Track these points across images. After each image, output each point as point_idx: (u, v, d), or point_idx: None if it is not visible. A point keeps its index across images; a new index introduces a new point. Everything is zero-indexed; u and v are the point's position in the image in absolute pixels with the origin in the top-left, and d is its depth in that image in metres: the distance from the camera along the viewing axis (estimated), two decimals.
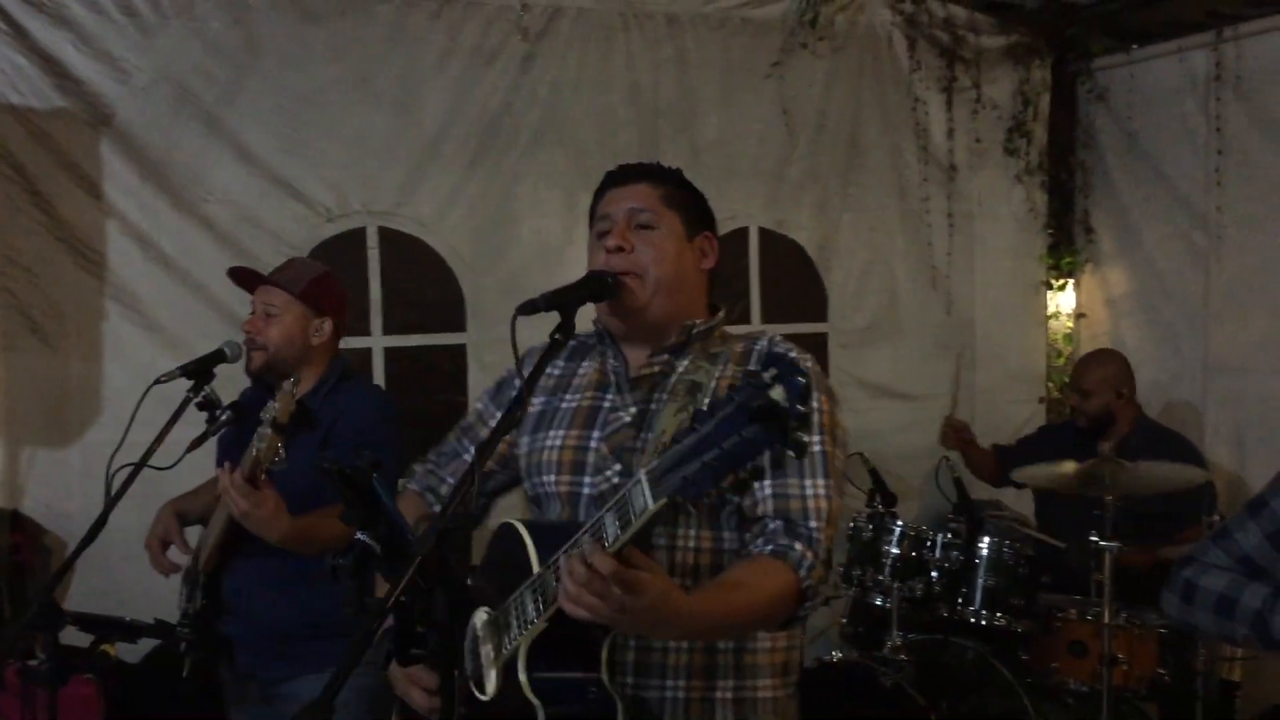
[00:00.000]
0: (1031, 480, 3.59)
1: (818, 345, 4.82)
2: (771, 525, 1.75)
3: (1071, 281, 5.13)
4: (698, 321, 1.91)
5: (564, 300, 1.74)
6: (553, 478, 1.87)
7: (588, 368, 1.97)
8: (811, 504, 1.76)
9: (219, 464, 2.75)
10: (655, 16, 4.52)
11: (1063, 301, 5.16)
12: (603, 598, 1.44)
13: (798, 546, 1.72)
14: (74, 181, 3.83)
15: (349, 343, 4.18)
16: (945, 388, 4.99)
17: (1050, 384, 5.20)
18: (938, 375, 4.98)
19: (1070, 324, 5.17)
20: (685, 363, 1.89)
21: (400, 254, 4.25)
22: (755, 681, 1.82)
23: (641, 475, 1.44)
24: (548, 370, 1.98)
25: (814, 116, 4.75)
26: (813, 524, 1.75)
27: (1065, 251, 5.11)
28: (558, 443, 1.89)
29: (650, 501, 1.42)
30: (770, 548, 1.73)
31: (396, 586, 1.31)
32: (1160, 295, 4.73)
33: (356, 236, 4.20)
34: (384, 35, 4.17)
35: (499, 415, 2.01)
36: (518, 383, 1.98)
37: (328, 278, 2.90)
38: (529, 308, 1.71)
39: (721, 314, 1.98)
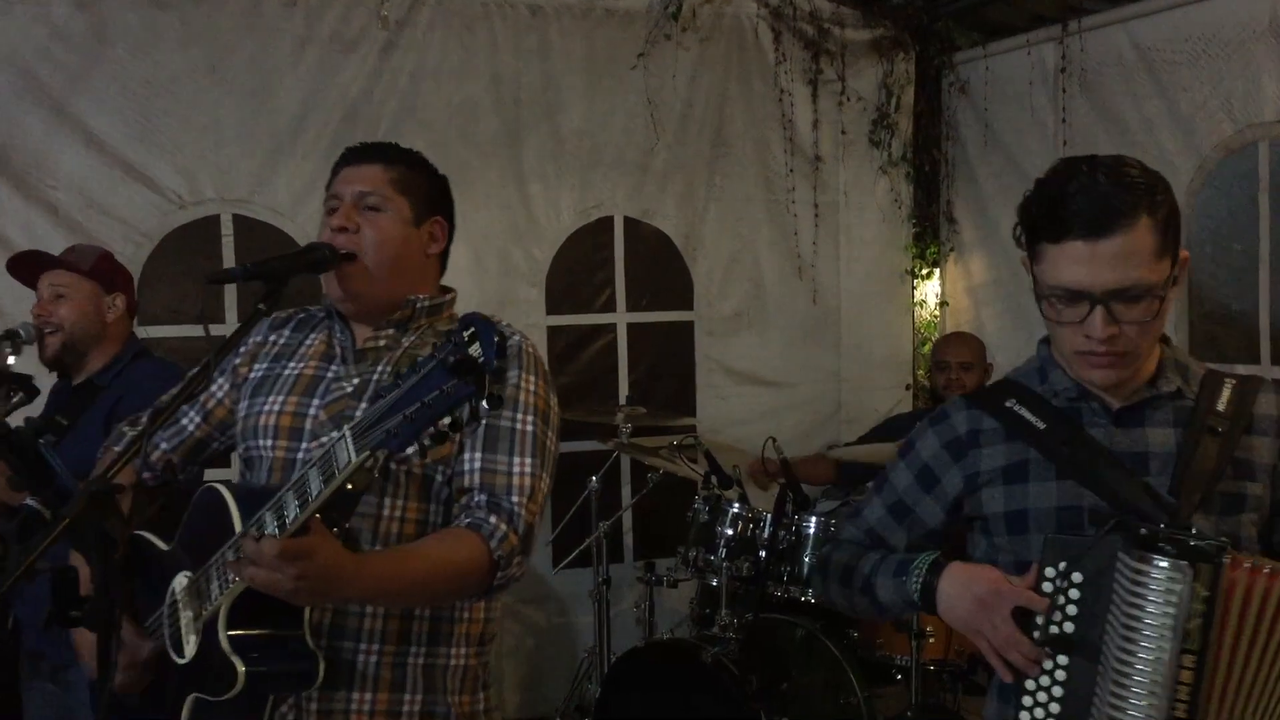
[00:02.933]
0: (850, 456, 3.67)
1: (684, 333, 4.90)
2: (476, 498, 1.80)
3: (936, 270, 5.23)
4: (421, 296, 1.95)
5: (271, 270, 1.77)
6: (269, 442, 1.89)
7: (314, 339, 1.99)
8: (516, 480, 1.81)
9: None
10: (518, 6, 4.56)
11: (930, 290, 5.26)
12: (278, 573, 1.50)
13: (493, 519, 1.76)
14: None
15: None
16: (812, 375, 5.07)
17: (920, 372, 5.31)
18: (804, 363, 5.06)
19: (936, 312, 5.27)
20: (412, 338, 1.93)
21: (255, 242, 4.25)
22: (448, 649, 1.87)
23: (346, 431, 1.47)
24: (272, 339, 2.02)
25: (679, 107, 4.81)
26: (514, 499, 1.79)
27: (930, 241, 5.21)
28: (276, 408, 1.91)
29: (353, 455, 1.45)
30: (468, 520, 1.78)
31: (37, 550, 1.34)
32: (1016, 283, 4.83)
33: (210, 224, 4.20)
34: (237, 23, 4.18)
35: (220, 381, 2.04)
36: (242, 350, 2.02)
37: (112, 256, 2.91)
38: (222, 277, 1.74)
39: (452, 295, 2.02)
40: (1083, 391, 1.77)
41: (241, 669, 1.59)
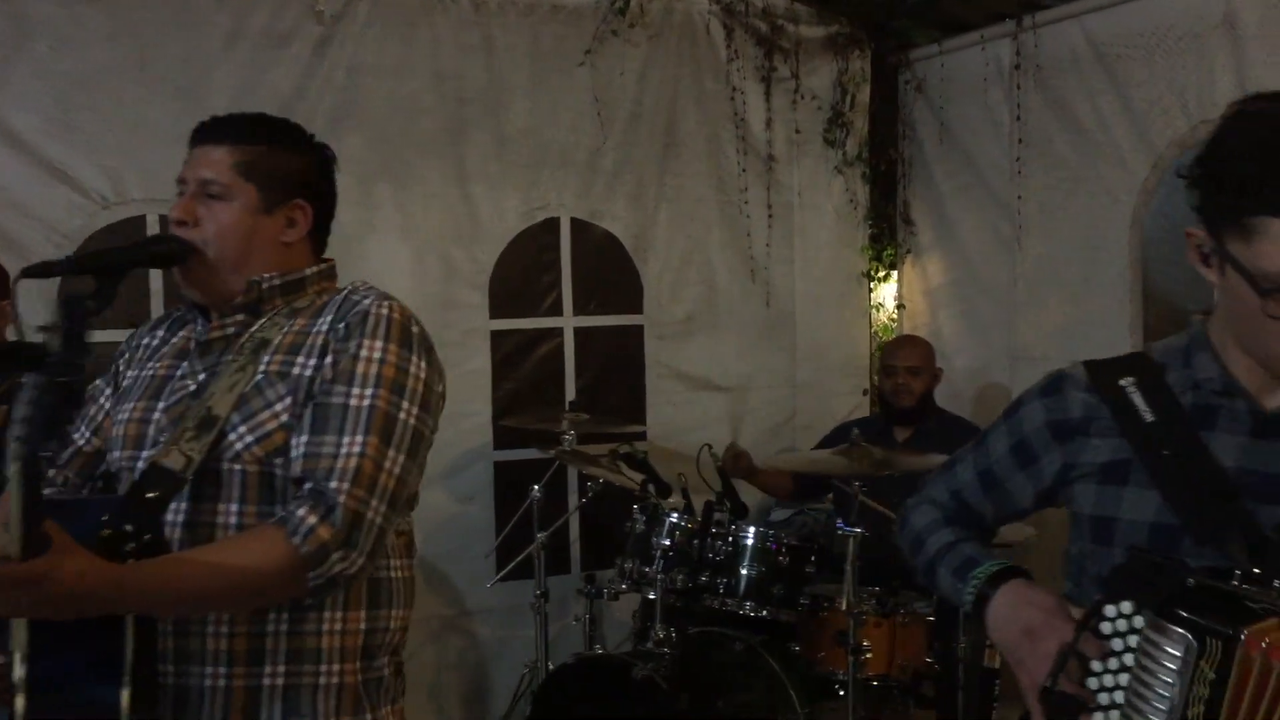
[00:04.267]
0: (790, 466, 3.54)
1: (634, 337, 4.77)
2: (304, 487, 1.64)
3: (893, 272, 5.12)
4: (268, 275, 1.79)
5: (104, 263, 1.63)
6: (119, 453, 1.77)
7: (181, 336, 1.86)
8: (341, 462, 1.61)
9: None
10: (460, 1, 4.43)
11: (887, 292, 5.15)
12: (15, 601, 1.36)
13: (300, 511, 1.58)
14: None
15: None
16: (766, 380, 4.95)
17: (877, 376, 5.18)
18: (758, 368, 4.94)
19: (893, 315, 5.16)
20: (264, 320, 1.79)
21: None
22: (315, 667, 1.70)
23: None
24: (145, 341, 1.89)
25: (628, 106, 4.68)
26: (333, 484, 1.59)
27: (887, 242, 5.10)
28: (126, 415, 1.79)
29: (8, 467, 1.32)
30: (280, 514, 1.62)
31: None
32: (972, 285, 4.74)
33: (135, 225, 4.04)
34: (166, 17, 4.03)
35: (107, 391, 1.91)
36: (125, 355, 1.91)
37: None
38: (40, 270, 1.60)
39: (316, 268, 1.86)
40: (1229, 385, 1.48)
41: (21, 699, 1.45)
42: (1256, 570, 1.30)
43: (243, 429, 1.68)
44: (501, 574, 4.05)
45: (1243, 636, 1.23)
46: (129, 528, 1.52)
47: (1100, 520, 1.55)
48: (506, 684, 4.42)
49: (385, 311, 1.73)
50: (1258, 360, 1.47)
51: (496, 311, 4.52)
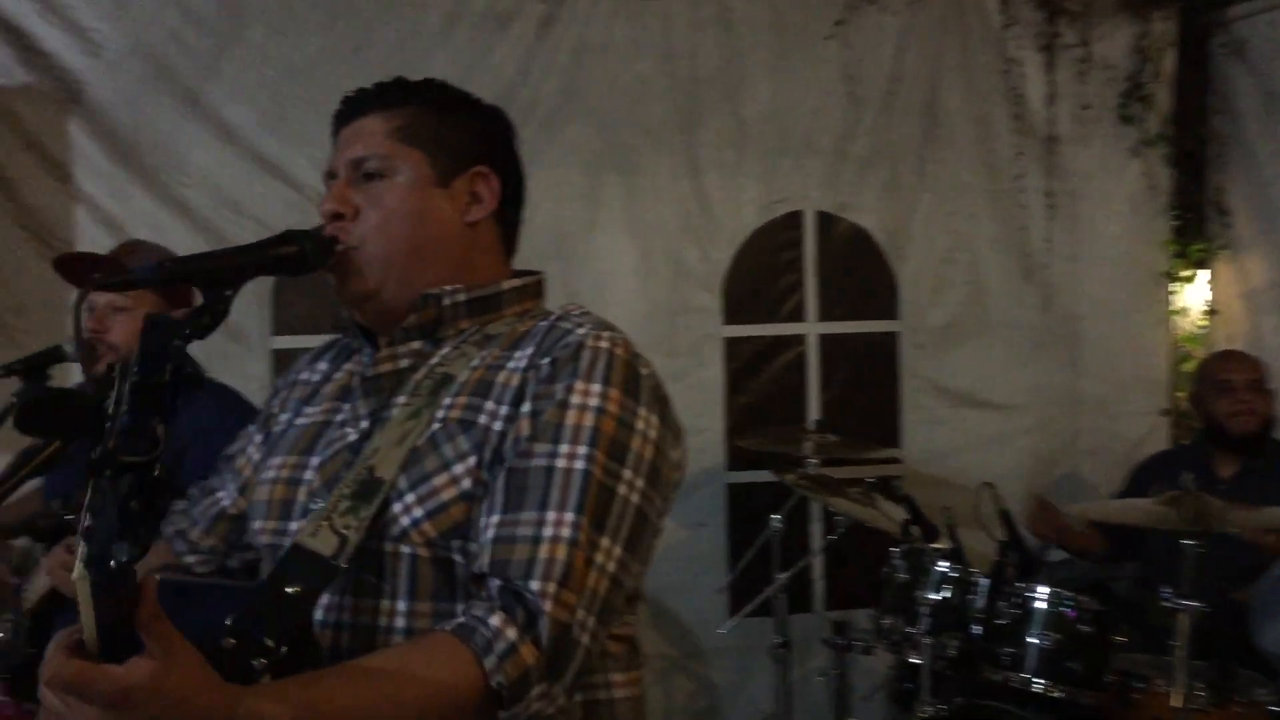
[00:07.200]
0: (1102, 517, 2.87)
1: (887, 346, 4.20)
2: (491, 585, 1.19)
3: (1202, 272, 4.33)
4: (451, 289, 1.36)
5: (207, 272, 1.20)
6: (261, 523, 1.37)
7: (345, 372, 1.45)
8: (544, 551, 1.16)
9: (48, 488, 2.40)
10: None
11: (1191, 295, 4.36)
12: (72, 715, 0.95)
13: (494, 621, 1.13)
14: (40, 164, 3.55)
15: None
16: (1042, 397, 4.26)
17: (1179, 394, 4.40)
18: (1034, 382, 4.26)
19: (1202, 321, 4.36)
20: (447, 349, 1.35)
21: None
22: None
23: None
24: (304, 377, 1.51)
25: (884, 83, 4.11)
26: (535, 585, 1.15)
27: (1194, 236, 4.32)
28: (272, 475, 1.39)
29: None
30: (459, 621, 1.16)
31: None
32: None
33: None
34: (381, 0, 3.77)
35: (257, 439, 1.53)
36: (281, 394, 1.53)
37: None
38: (119, 283, 1.21)
39: (519, 282, 1.42)
40: None
41: None
42: None
43: (410, 498, 1.25)
44: (737, 616, 3.55)
45: None
46: (268, 640, 1.10)
47: None
48: None
49: (605, 345, 1.28)
50: None
51: (732, 316, 4.05)
